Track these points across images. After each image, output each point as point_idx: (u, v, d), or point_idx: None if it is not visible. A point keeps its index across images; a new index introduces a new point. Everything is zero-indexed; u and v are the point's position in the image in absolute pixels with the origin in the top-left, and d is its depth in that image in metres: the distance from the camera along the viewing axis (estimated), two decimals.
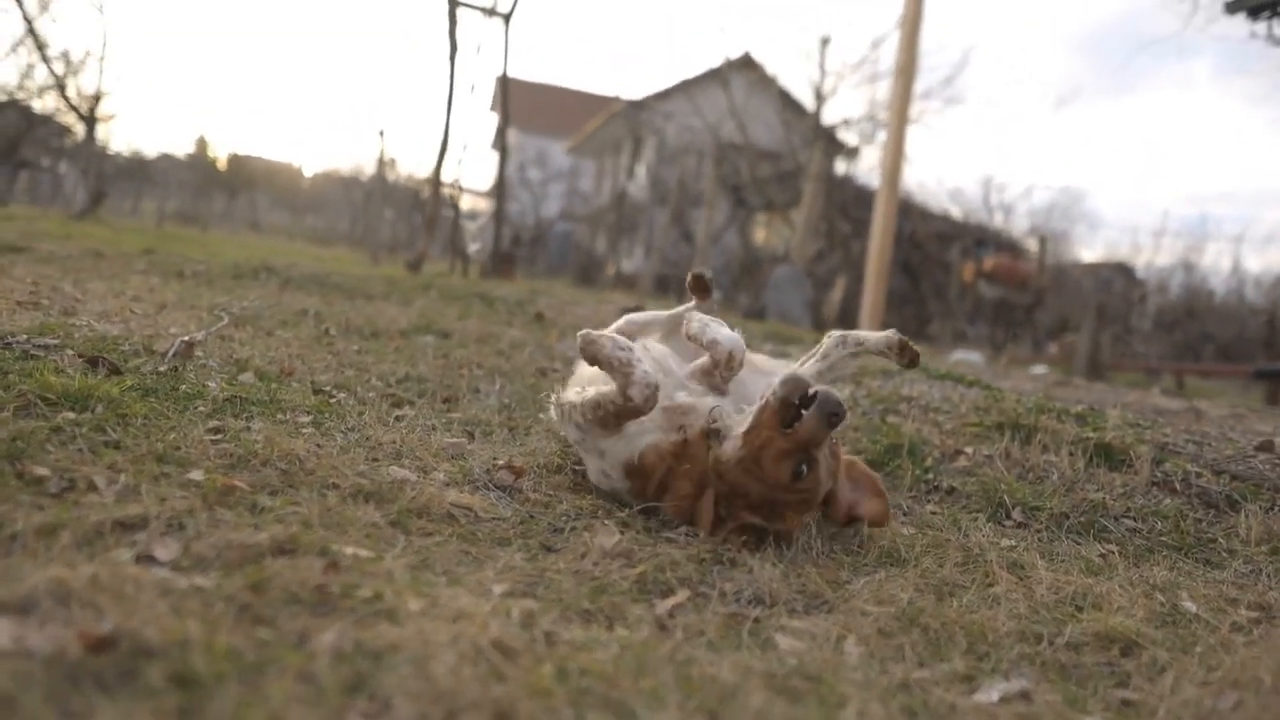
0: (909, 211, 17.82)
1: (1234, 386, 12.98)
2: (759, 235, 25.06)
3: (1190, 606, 2.18)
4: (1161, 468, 3.26)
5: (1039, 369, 8.89)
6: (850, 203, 17.79)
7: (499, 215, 13.86)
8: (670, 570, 2.00)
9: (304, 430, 2.59)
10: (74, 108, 17.74)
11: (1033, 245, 21.16)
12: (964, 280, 17.79)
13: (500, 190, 14.16)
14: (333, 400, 3.09)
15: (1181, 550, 2.74)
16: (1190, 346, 15.98)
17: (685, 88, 29.33)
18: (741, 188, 22.43)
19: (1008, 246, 20.05)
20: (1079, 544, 2.72)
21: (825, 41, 21.30)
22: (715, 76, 25.96)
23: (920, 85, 21.37)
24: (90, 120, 17.76)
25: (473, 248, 13.14)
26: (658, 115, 28.92)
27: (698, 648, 1.62)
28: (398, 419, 3.04)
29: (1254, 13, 10.68)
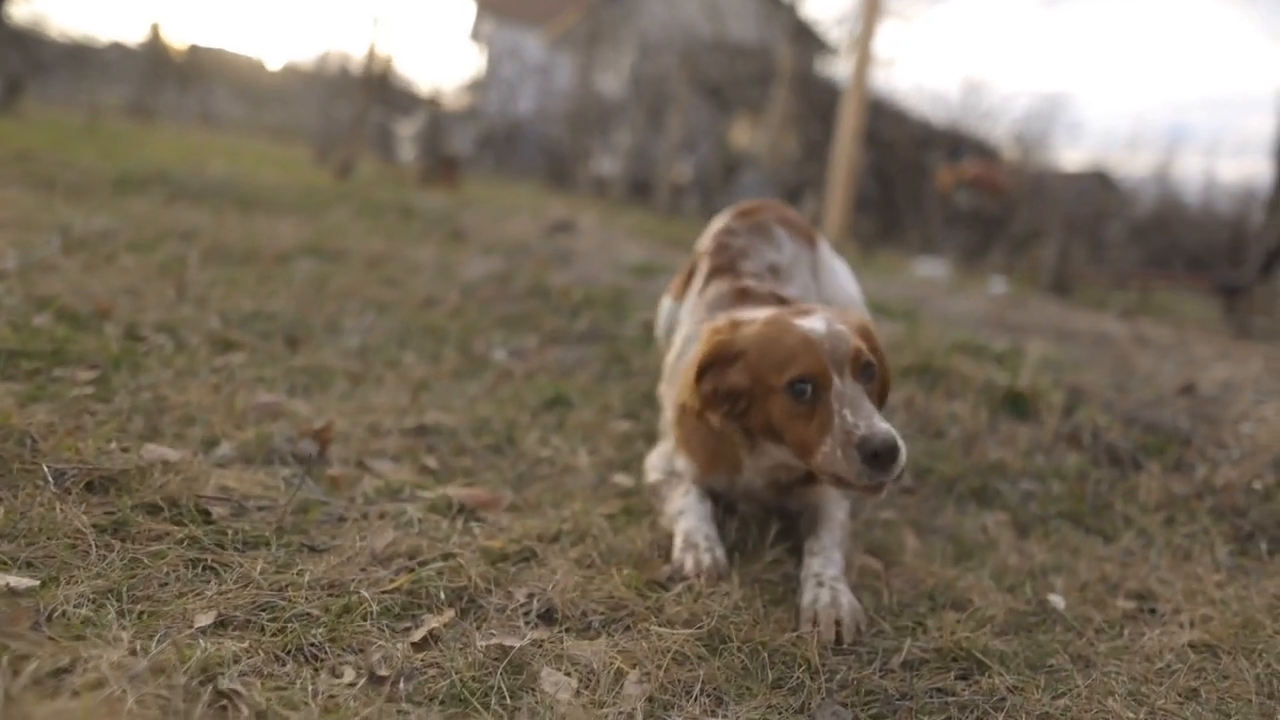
0: (884, 114, 17.06)
1: (1201, 300, 12.77)
2: (741, 138, 24.19)
3: (1058, 603, 1.93)
4: (1072, 418, 2.99)
5: (998, 286, 8.57)
6: (831, 108, 17.00)
7: (436, 117, 13.02)
8: (450, 577, 1.72)
9: (73, 392, 2.24)
10: None
11: (1013, 152, 20.51)
12: (941, 186, 17.24)
13: (435, 94, 13.22)
14: (143, 348, 2.73)
15: (1076, 519, 2.49)
16: (1161, 257, 15.68)
17: None
18: (721, 88, 21.43)
19: (987, 153, 19.40)
20: (964, 514, 2.46)
21: None
22: None
23: None
24: None
25: (409, 150, 12.34)
26: (637, 9, 27.39)
27: (413, 713, 1.33)
28: (215, 370, 2.70)
29: None
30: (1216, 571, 2.18)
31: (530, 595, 1.71)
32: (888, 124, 17.44)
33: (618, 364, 3.38)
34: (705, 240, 2.58)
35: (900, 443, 1.67)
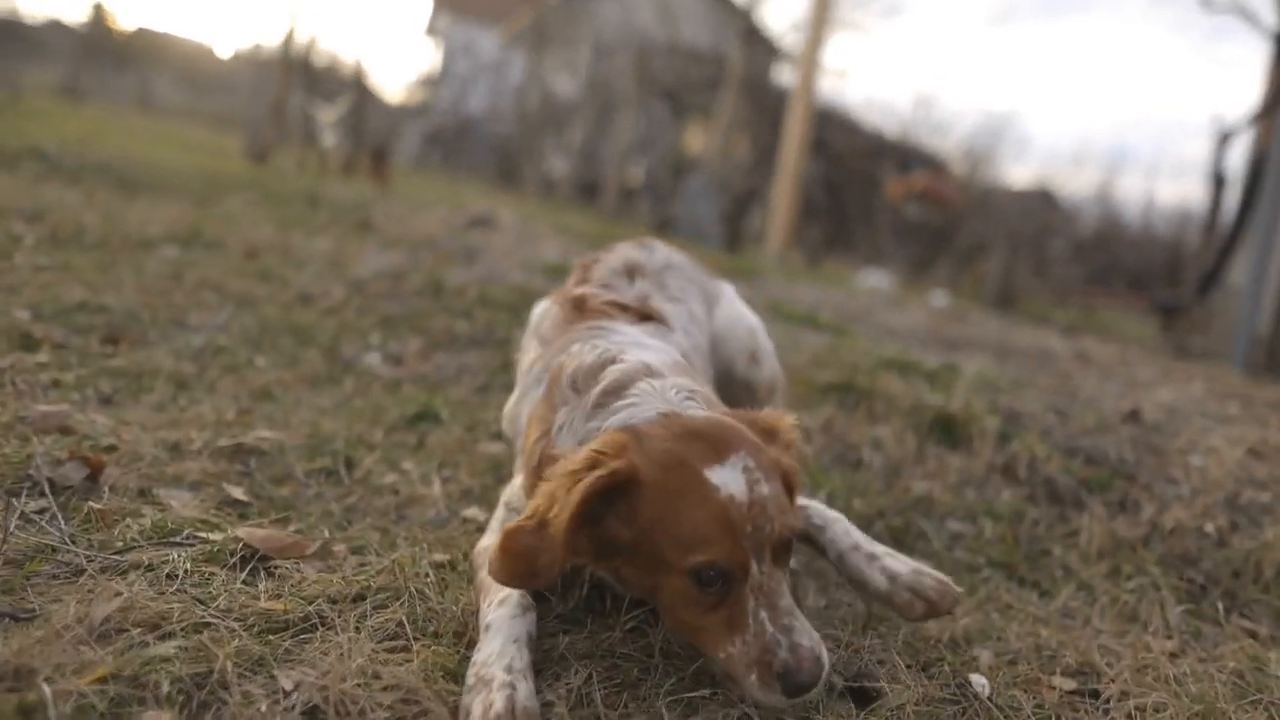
0: (834, 124, 16.95)
1: (1139, 319, 12.82)
2: (695, 143, 23.99)
3: (982, 687, 1.57)
4: (1008, 447, 2.67)
5: (939, 300, 8.37)
6: (782, 115, 16.82)
7: (359, 106, 12.41)
8: (192, 659, 1.29)
9: None
10: None
11: (961, 166, 20.64)
12: (891, 197, 17.19)
13: (361, 79, 12.63)
14: None
15: (1009, 569, 2.16)
16: (1102, 276, 15.80)
17: None
18: (676, 92, 21.18)
19: (936, 166, 19.45)
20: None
21: None
22: None
23: None
24: None
25: (329, 139, 11.72)
26: (592, 10, 27.08)
27: None
28: None
29: None
30: (1168, 637, 1.86)
31: (297, 685, 1.29)
32: (838, 134, 17.35)
33: (505, 373, 2.97)
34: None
35: (825, 659, 1.34)
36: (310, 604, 1.50)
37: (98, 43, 32.93)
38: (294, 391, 2.58)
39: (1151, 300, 11.15)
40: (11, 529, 1.57)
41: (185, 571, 1.54)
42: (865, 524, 2.24)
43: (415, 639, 1.45)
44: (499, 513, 1.77)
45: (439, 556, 1.75)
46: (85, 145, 7.30)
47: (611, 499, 1.37)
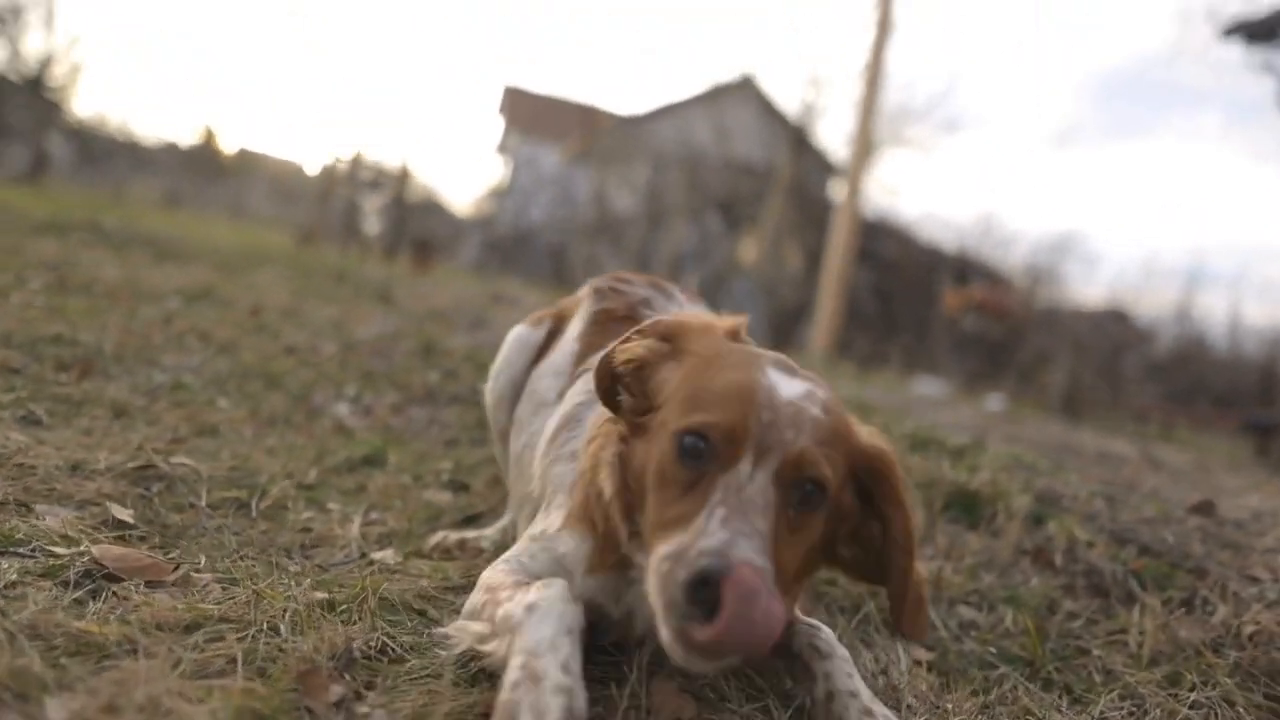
0: (888, 235, 16.87)
1: (1227, 438, 11.95)
2: (749, 253, 24.33)
3: None
4: (1041, 530, 2.28)
5: (995, 403, 7.89)
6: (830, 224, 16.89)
7: (400, 198, 12.83)
8: None
9: None
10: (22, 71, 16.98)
11: (1023, 281, 20.23)
12: (948, 308, 16.84)
13: (405, 174, 13.09)
14: None
15: (1031, 669, 1.76)
16: (1184, 395, 14.92)
17: (680, 106, 28.87)
18: (728, 204, 21.68)
19: (995, 279, 19.10)
20: (869, 648, 1.74)
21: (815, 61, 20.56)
22: (708, 97, 25.52)
23: (913, 103, 20.58)
24: (36, 84, 17.00)
25: (372, 226, 12.10)
26: (652, 130, 28.28)
27: None
28: None
29: (1252, 38, 9.79)
30: None
31: (68, 716, 1.02)
32: (891, 245, 17.25)
33: (478, 429, 2.73)
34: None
35: (759, 590, 1.00)
36: (133, 629, 1.24)
37: (201, 159, 35.73)
38: (242, 429, 2.38)
39: (1243, 419, 10.35)
40: None
41: (10, 582, 1.30)
42: (854, 605, 1.89)
43: (244, 676, 1.17)
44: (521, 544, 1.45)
45: (318, 595, 1.48)
46: (139, 222, 7.59)
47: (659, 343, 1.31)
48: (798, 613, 1.44)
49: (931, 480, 2.42)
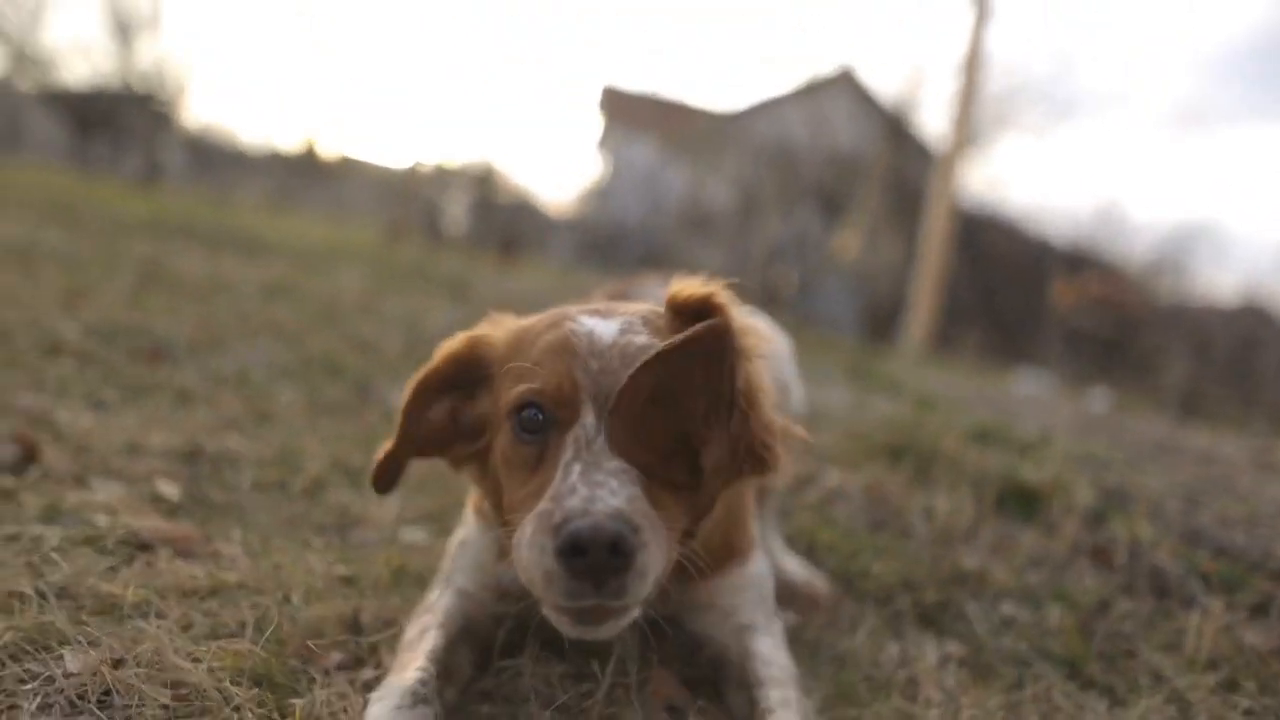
0: (989, 227, 16.17)
1: None
2: (846, 245, 23.89)
3: None
4: (1103, 528, 2.14)
5: (1099, 402, 7.45)
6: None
7: (486, 197, 13.14)
8: None
9: None
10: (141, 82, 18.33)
11: (1145, 274, 19.00)
12: (1060, 302, 15.98)
13: (489, 173, 13.34)
14: None
15: (1072, 668, 1.66)
16: None
17: (777, 102, 28.54)
18: (824, 195, 21.30)
19: (1112, 272, 18.00)
20: (897, 641, 1.68)
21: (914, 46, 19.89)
22: (806, 91, 25.12)
23: (1023, 87, 19.59)
24: (148, 95, 18.45)
25: (456, 225, 12.44)
26: (749, 125, 28.05)
27: None
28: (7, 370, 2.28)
29: None
30: None
31: (81, 669, 1.11)
32: (995, 238, 16.52)
33: None
34: None
35: (635, 534, 0.96)
36: (153, 593, 1.33)
37: (303, 165, 37.67)
38: (296, 416, 2.50)
39: None
40: None
41: (52, 548, 1.41)
42: (887, 594, 1.82)
43: (250, 640, 1.24)
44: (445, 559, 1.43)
45: (338, 569, 1.55)
46: (234, 222, 8.06)
47: (471, 373, 1.24)
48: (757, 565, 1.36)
49: (985, 474, 2.31)
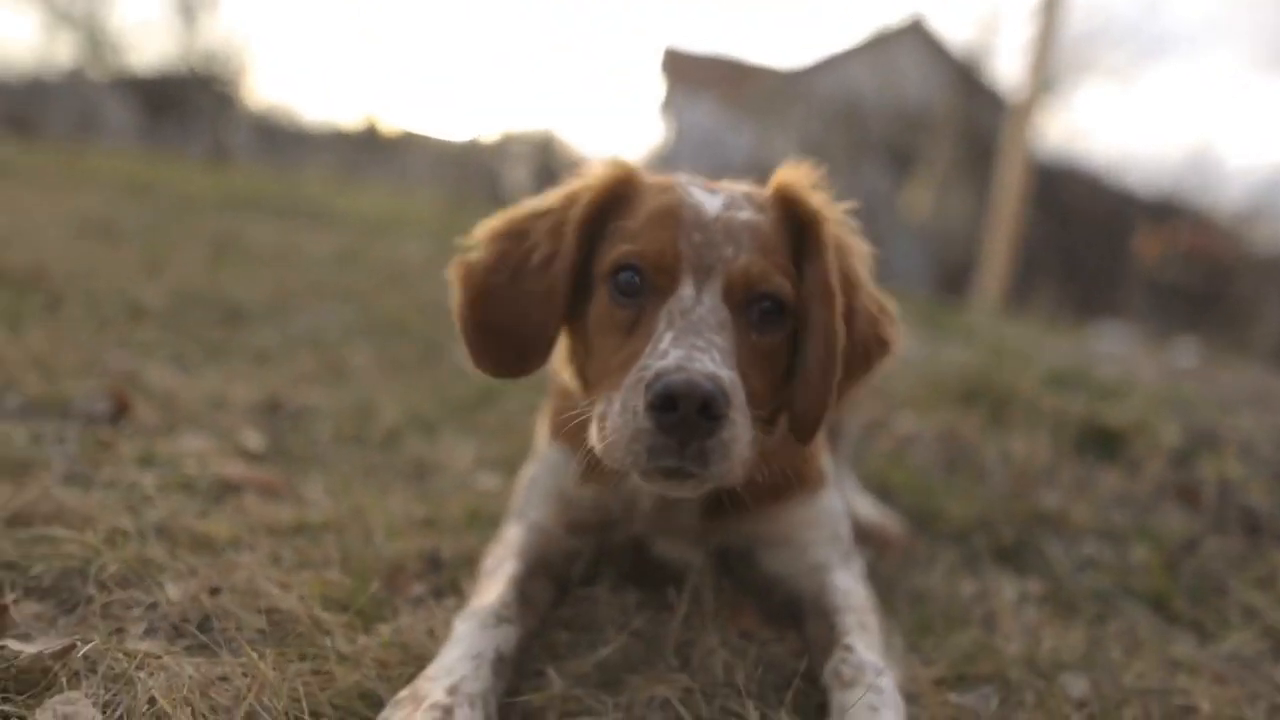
0: (1069, 179, 15.46)
1: None
2: (917, 199, 23.27)
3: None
4: (1189, 467, 2.06)
5: (1185, 357, 7.09)
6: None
7: (545, 164, 13.12)
8: (87, 556, 1.23)
9: None
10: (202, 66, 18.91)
11: (1238, 223, 17.97)
12: (1145, 254, 15.26)
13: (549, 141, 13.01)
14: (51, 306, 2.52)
15: (1158, 603, 1.61)
16: None
17: (844, 56, 27.75)
18: (894, 149, 20.73)
19: (1202, 222, 17.06)
20: (975, 577, 1.65)
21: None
22: (873, 44, 24.32)
23: (1107, 27, 18.57)
24: (211, 75, 18.99)
25: (518, 193, 12.55)
26: (815, 81, 27.38)
27: None
28: (100, 330, 2.41)
29: None
30: None
31: (181, 596, 1.18)
32: (1076, 190, 15.82)
33: None
34: None
35: (726, 402, 0.94)
36: (244, 530, 1.40)
37: (366, 141, 38.25)
38: (369, 373, 2.58)
39: None
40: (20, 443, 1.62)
41: (148, 492, 1.49)
42: (962, 534, 1.79)
43: (337, 572, 1.29)
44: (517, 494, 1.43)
45: (419, 510, 1.60)
46: (301, 195, 8.28)
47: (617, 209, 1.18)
48: (829, 497, 1.34)
49: (1063, 416, 2.24)
